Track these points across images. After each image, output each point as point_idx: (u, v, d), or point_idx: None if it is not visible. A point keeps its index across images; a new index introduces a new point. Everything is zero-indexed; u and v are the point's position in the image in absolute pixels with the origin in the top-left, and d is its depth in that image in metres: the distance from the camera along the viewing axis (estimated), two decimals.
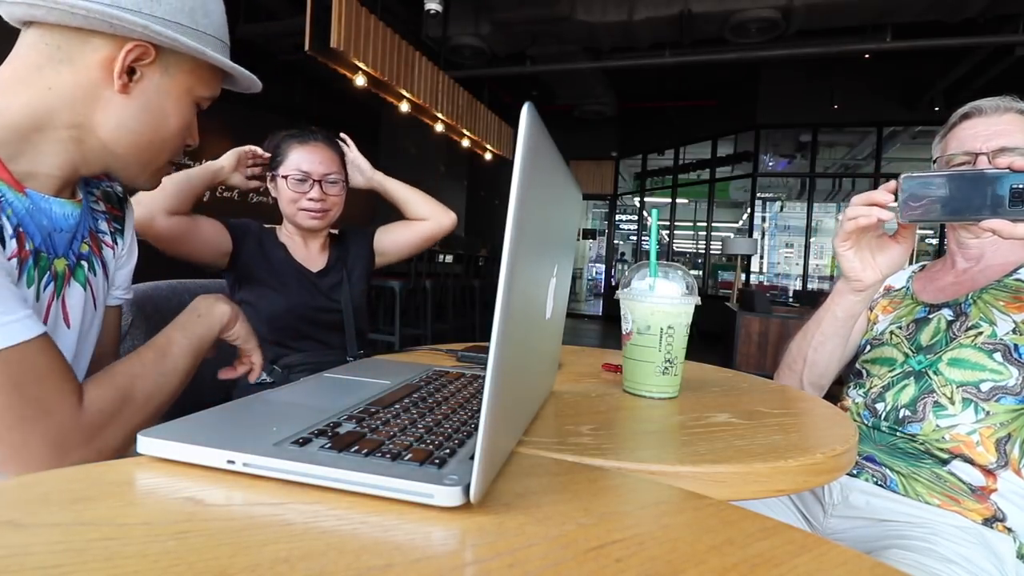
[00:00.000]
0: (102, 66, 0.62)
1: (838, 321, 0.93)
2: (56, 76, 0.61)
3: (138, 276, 0.87)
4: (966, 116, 0.94)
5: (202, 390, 0.84)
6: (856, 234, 0.83)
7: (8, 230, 0.58)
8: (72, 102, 0.62)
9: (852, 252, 0.85)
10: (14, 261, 0.58)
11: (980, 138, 0.90)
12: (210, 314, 0.76)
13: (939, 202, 0.72)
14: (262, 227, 1.28)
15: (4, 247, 0.57)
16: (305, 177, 1.22)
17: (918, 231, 0.84)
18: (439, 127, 5.90)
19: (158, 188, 0.77)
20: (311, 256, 1.30)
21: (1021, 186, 0.68)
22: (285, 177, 1.22)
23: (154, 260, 1.05)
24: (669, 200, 9.32)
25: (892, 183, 0.76)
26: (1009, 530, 0.79)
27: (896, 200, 0.75)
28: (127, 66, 0.62)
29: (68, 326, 0.68)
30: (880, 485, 0.86)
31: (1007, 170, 0.69)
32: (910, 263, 1.02)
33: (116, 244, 0.79)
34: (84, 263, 0.71)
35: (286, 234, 1.30)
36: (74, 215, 0.69)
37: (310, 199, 1.22)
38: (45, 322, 0.64)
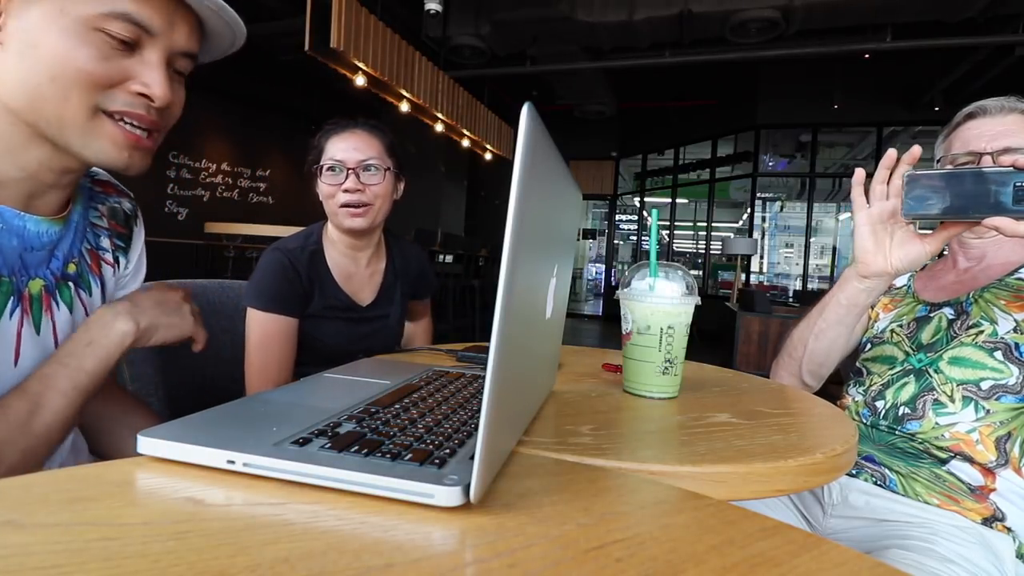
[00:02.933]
0: None
1: (841, 308, 0.92)
2: None
3: None
4: (970, 116, 0.93)
5: (203, 390, 0.84)
6: (878, 213, 0.81)
7: None
8: None
9: (869, 229, 0.82)
10: None
11: (984, 138, 0.90)
12: (104, 338, 0.62)
13: (943, 200, 0.72)
14: (311, 252, 1.13)
15: None
16: (338, 166, 1.09)
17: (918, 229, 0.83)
18: (439, 127, 5.91)
19: None
20: (360, 277, 1.19)
21: None
22: (320, 169, 1.11)
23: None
24: (669, 200, 9.32)
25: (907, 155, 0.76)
26: (1008, 529, 0.79)
27: (903, 195, 0.75)
28: None
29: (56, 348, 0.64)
30: (879, 485, 0.86)
31: (1011, 168, 0.69)
32: None
33: (118, 262, 0.75)
34: (70, 283, 0.66)
35: (331, 246, 1.16)
36: (52, 232, 0.64)
37: (345, 191, 1.08)
38: (17, 349, 0.59)
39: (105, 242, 0.73)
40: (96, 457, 0.77)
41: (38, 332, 0.62)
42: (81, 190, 0.71)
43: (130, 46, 0.57)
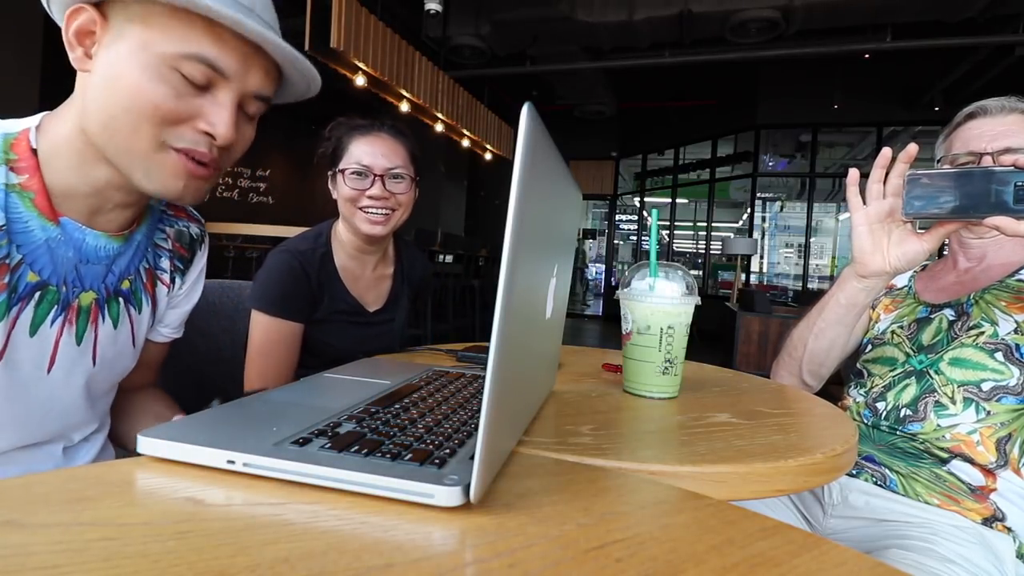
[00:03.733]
0: (70, 45, 0.57)
1: (840, 308, 0.92)
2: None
3: None
4: (971, 116, 0.93)
5: (203, 390, 0.84)
6: (875, 212, 0.81)
7: None
8: (75, 97, 0.58)
9: (866, 229, 0.83)
10: None
11: (985, 138, 0.90)
12: None
13: (943, 199, 0.72)
14: (321, 255, 1.11)
15: None
16: (365, 171, 1.07)
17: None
18: (439, 127, 5.91)
19: None
20: (366, 280, 1.18)
21: None
22: (343, 171, 1.09)
23: None
24: (669, 200, 9.31)
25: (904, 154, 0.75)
26: (1009, 530, 0.79)
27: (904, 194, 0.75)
28: (74, 32, 0.56)
29: (94, 363, 0.66)
30: (880, 485, 0.86)
31: (1012, 168, 0.69)
32: None
33: (174, 283, 0.76)
34: (121, 299, 0.68)
35: (339, 248, 1.15)
36: (111, 248, 0.66)
37: (370, 197, 1.07)
38: (52, 356, 0.61)
39: (165, 263, 0.75)
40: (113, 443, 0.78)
41: (79, 343, 0.64)
42: (151, 212, 0.73)
43: (204, 86, 0.58)
